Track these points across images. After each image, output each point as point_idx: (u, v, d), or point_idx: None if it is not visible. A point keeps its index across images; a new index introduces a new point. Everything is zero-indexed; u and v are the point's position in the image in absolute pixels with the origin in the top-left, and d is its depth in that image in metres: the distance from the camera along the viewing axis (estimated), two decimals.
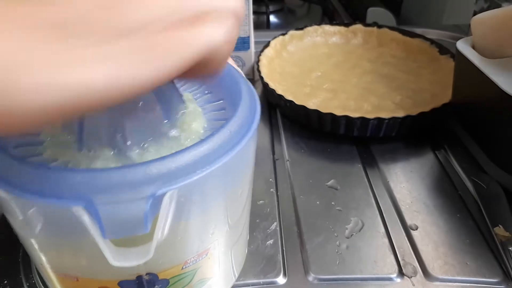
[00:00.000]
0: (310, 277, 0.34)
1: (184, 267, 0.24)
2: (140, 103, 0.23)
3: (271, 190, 0.42)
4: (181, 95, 0.27)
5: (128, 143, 0.23)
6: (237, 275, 0.32)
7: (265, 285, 0.33)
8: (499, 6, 0.64)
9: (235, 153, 0.22)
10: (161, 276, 0.24)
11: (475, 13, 0.62)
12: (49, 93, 0.14)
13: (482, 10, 0.69)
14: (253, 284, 0.33)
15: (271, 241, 0.36)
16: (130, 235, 0.19)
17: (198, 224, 0.23)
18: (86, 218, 0.18)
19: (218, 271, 0.28)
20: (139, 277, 0.24)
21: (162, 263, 0.23)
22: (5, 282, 0.33)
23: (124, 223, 0.18)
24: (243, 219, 0.29)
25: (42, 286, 0.33)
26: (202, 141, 0.21)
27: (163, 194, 0.19)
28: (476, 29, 0.43)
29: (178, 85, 0.28)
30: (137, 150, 0.23)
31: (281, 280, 0.33)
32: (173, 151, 0.20)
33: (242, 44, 0.58)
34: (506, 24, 0.41)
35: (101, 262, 0.21)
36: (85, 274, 0.24)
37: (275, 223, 0.38)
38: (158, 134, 0.24)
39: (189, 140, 0.25)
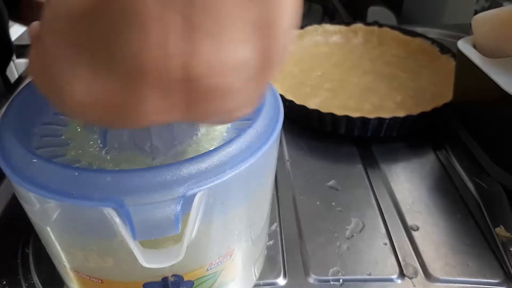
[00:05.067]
0: (311, 278, 0.33)
1: (209, 268, 0.24)
2: None
3: None
4: None
5: (153, 145, 0.23)
6: (257, 275, 0.32)
7: (265, 286, 0.33)
8: (500, 5, 0.63)
9: (262, 153, 0.22)
10: (186, 278, 0.24)
11: (476, 12, 0.62)
12: None
13: (483, 9, 0.68)
14: (253, 285, 0.32)
15: (271, 242, 0.36)
16: (161, 236, 0.19)
17: (225, 225, 0.23)
18: (117, 220, 0.18)
19: (241, 272, 0.28)
20: (165, 279, 0.23)
21: (188, 264, 0.23)
22: (4, 283, 0.33)
23: (155, 224, 0.18)
24: (265, 220, 0.29)
25: (41, 287, 0.33)
26: (230, 141, 0.21)
27: (194, 195, 0.19)
28: (477, 29, 0.43)
29: None
30: (162, 153, 0.23)
31: (281, 281, 0.33)
32: (198, 154, 0.20)
33: None
34: (507, 24, 0.41)
35: (128, 263, 0.22)
36: (110, 276, 0.24)
37: (275, 224, 0.38)
38: (182, 137, 0.24)
39: (213, 142, 0.25)
